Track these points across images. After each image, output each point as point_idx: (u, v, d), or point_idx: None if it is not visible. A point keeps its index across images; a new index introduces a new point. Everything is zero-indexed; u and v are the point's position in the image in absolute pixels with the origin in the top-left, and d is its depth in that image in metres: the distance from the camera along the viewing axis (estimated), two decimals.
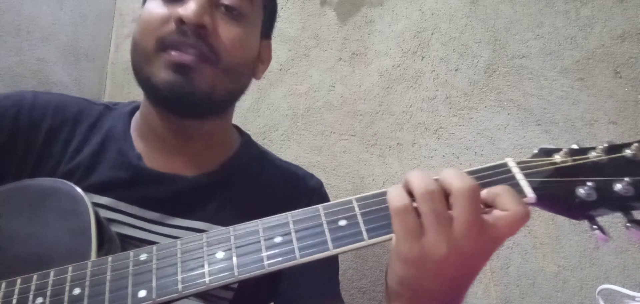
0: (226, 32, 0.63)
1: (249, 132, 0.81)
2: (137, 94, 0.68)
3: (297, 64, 1.29)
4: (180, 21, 0.60)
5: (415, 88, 1.12)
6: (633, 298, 0.73)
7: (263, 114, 1.31)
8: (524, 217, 0.40)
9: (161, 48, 0.61)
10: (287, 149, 1.26)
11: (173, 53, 0.60)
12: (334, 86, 1.23)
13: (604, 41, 0.93)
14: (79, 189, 0.56)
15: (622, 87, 0.90)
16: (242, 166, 0.73)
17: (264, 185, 0.73)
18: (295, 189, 0.75)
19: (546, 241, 0.93)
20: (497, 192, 0.41)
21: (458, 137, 1.05)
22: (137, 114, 0.72)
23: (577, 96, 0.94)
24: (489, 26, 1.05)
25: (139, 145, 0.68)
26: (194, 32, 0.60)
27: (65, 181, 0.57)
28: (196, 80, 0.61)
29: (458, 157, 1.05)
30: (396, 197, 0.42)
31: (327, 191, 0.80)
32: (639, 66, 0.89)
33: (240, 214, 0.68)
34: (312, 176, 0.79)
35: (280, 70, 1.31)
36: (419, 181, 0.41)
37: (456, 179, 0.41)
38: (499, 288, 0.96)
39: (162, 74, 0.60)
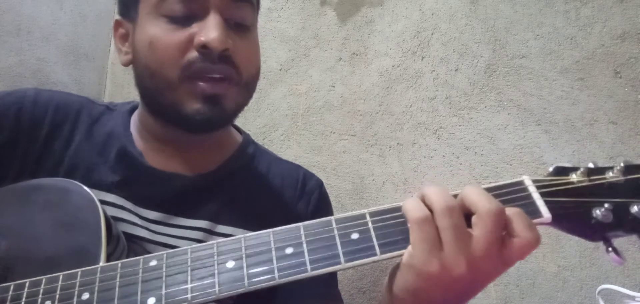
0: (242, 48, 0.63)
1: (249, 132, 0.80)
2: (136, 94, 0.68)
3: (297, 64, 1.29)
4: (204, 47, 0.59)
5: (415, 88, 1.12)
6: (633, 298, 0.73)
7: (263, 114, 1.31)
8: (535, 243, 0.40)
9: (187, 77, 0.60)
10: (287, 149, 1.26)
11: (202, 84, 0.59)
12: (334, 86, 1.23)
13: (604, 41, 0.93)
14: (86, 188, 0.56)
15: (622, 87, 0.90)
16: (243, 165, 0.73)
17: (264, 184, 0.73)
18: (295, 188, 0.75)
19: (546, 241, 0.93)
20: (509, 216, 0.41)
21: (458, 137, 1.05)
22: (136, 114, 0.72)
23: (577, 96, 0.94)
24: (489, 26, 1.05)
25: (139, 144, 0.68)
26: (219, 56, 0.60)
27: (72, 180, 0.57)
28: (225, 105, 0.62)
29: (458, 157, 1.05)
30: (416, 208, 0.41)
31: (327, 191, 0.80)
32: (639, 66, 0.89)
33: (242, 213, 0.68)
34: (312, 175, 0.79)
35: (280, 70, 1.31)
36: (438, 195, 0.41)
37: (483, 199, 0.40)
38: (499, 288, 0.96)
39: (193, 105, 0.60)
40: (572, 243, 0.90)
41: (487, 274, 0.41)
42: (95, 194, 0.55)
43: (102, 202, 0.61)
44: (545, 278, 0.92)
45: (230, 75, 0.61)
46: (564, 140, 0.94)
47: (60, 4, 1.50)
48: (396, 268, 0.44)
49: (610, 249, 0.42)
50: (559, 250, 0.91)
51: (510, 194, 0.44)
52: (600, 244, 0.42)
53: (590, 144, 0.91)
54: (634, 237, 0.42)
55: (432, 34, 1.12)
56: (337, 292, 0.72)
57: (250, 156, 0.75)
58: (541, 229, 0.42)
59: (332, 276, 0.72)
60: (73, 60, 1.55)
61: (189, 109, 0.60)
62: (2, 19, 1.35)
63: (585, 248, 0.89)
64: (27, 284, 0.46)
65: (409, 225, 0.42)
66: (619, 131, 0.89)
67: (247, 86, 0.65)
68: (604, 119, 0.91)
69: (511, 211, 0.41)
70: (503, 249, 0.40)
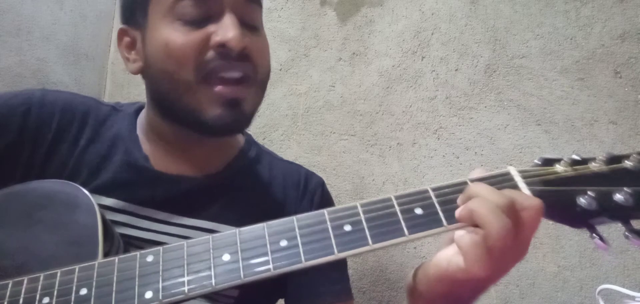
0: (256, 47, 0.64)
1: (249, 132, 0.81)
2: (136, 94, 0.68)
3: (297, 64, 1.29)
4: (222, 46, 0.59)
5: (415, 88, 1.12)
6: (633, 298, 0.73)
7: (263, 114, 1.31)
8: (541, 209, 0.42)
9: (205, 78, 0.59)
10: (287, 149, 1.26)
11: (221, 89, 0.60)
12: (334, 86, 1.23)
13: (604, 41, 0.93)
14: (85, 191, 0.56)
15: (622, 87, 0.90)
16: (246, 166, 0.73)
17: (267, 184, 0.74)
18: (297, 187, 0.75)
19: (546, 241, 0.93)
20: (513, 196, 0.42)
21: (458, 137, 1.05)
22: (142, 115, 0.72)
23: (577, 96, 0.94)
24: (489, 26, 1.05)
25: (145, 146, 0.68)
26: (238, 55, 0.60)
27: (71, 183, 0.57)
28: (245, 108, 0.62)
29: (458, 157, 1.05)
30: (499, 221, 0.41)
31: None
32: (639, 66, 0.89)
33: (245, 213, 0.68)
34: (314, 174, 0.79)
35: (280, 70, 1.31)
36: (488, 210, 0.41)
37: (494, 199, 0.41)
38: (499, 288, 0.96)
39: (214, 111, 0.60)
40: (572, 243, 0.90)
41: (510, 264, 0.43)
42: (97, 198, 0.56)
43: (104, 206, 0.61)
44: (545, 278, 0.92)
45: (249, 73, 0.62)
46: (564, 140, 0.94)
47: (60, 4, 1.50)
48: (436, 267, 0.44)
49: (594, 235, 0.43)
50: (559, 250, 0.91)
51: (497, 184, 0.45)
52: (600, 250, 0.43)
53: (590, 144, 0.91)
54: (618, 224, 0.43)
55: (432, 34, 1.12)
56: (348, 289, 0.73)
57: (253, 155, 0.76)
58: (542, 229, 0.42)
59: (342, 275, 0.73)
60: (73, 60, 1.55)
61: (210, 114, 0.60)
62: (2, 19, 1.35)
63: (585, 248, 0.89)
64: (25, 281, 0.46)
65: (488, 236, 0.41)
66: (619, 131, 0.89)
67: (262, 85, 0.66)
68: (604, 119, 0.91)
69: (509, 192, 0.43)
70: (517, 232, 0.41)
